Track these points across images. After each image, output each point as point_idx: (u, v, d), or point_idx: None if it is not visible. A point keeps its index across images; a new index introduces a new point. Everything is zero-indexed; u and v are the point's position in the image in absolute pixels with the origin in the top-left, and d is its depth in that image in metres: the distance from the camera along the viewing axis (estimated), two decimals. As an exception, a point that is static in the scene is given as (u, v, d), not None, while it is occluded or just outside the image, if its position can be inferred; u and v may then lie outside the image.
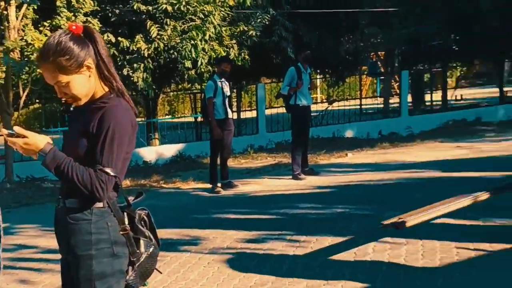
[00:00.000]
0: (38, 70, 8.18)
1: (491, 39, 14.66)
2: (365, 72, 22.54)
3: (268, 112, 13.66)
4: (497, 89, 17.89)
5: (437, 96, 18.84)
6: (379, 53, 18.65)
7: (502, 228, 5.39)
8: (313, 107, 11.34)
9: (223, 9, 10.68)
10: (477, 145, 11.11)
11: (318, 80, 21.26)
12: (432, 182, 7.73)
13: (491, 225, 5.49)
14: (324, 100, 22.02)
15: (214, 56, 10.36)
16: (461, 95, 21.70)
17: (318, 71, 16.27)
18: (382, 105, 17.96)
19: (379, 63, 20.14)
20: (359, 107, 17.42)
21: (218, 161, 8.36)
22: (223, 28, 10.85)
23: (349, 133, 13.90)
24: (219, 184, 8.30)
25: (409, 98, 16.26)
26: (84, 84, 2.18)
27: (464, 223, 5.54)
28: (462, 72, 24.58)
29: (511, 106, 16.19)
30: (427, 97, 18.84)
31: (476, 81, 26.04)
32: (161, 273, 2.60)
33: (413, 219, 4.42)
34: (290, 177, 8.80)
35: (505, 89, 17.67)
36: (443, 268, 4.45)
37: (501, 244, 4.82)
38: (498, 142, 11.43)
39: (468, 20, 14.46)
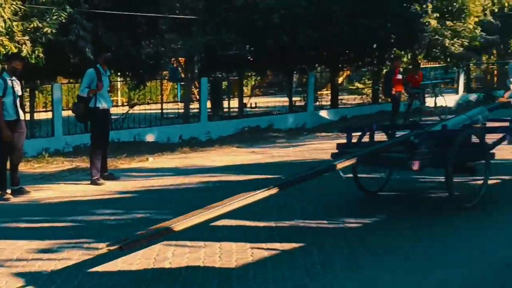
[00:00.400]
0: None
1: (282, 52, 15.83)
2: (166, 77, 22.71)
3: (65, 113, 13.01)
4: (287, 99, 19.38)
5: (234, 103, 19.74)
6: (179, 59, 18.94)
7: (291, 228, 5.84)
8: (114, 110, 11.13)
9: (14, 2, 9.99)
10: (269, 151, 11.88)
11: (118, 83, 20.86)
12: (229, 185, 8.06)
13: (282, 225, 5.92)
14: (125, 103, 21.71)
15: (4, 52, 9.64)
16: (255, 103, 23.02)
17: (119, 73, 15.98)
18: (182, 110, 18.27)
19: (179, 68, 20.46)
20: (160, 111, 17.49)
21: (8, 166, 7.83)
22: (14, 23, 10.17)
23: (150, 137, 13.87)
24: (8, 191, 7.79)
25: (209, 104, 16.80)
26: None
27: (258, 224, 5.89)
28: (256, 82, 26.10)
29: (298, 114, 17.64)
30: (225, 104, 19.66)
31: (268, 90, 27.78)
32: None
33: (185, 222, 4.48)
34: (89, 182, 8.52)
35: (293, 98, 19.20)
36: (238, 268, 4.67)
37: (291, 244, 5.21)
38: (287, 147, 12.36)
39: (261, 33, 15.43)
